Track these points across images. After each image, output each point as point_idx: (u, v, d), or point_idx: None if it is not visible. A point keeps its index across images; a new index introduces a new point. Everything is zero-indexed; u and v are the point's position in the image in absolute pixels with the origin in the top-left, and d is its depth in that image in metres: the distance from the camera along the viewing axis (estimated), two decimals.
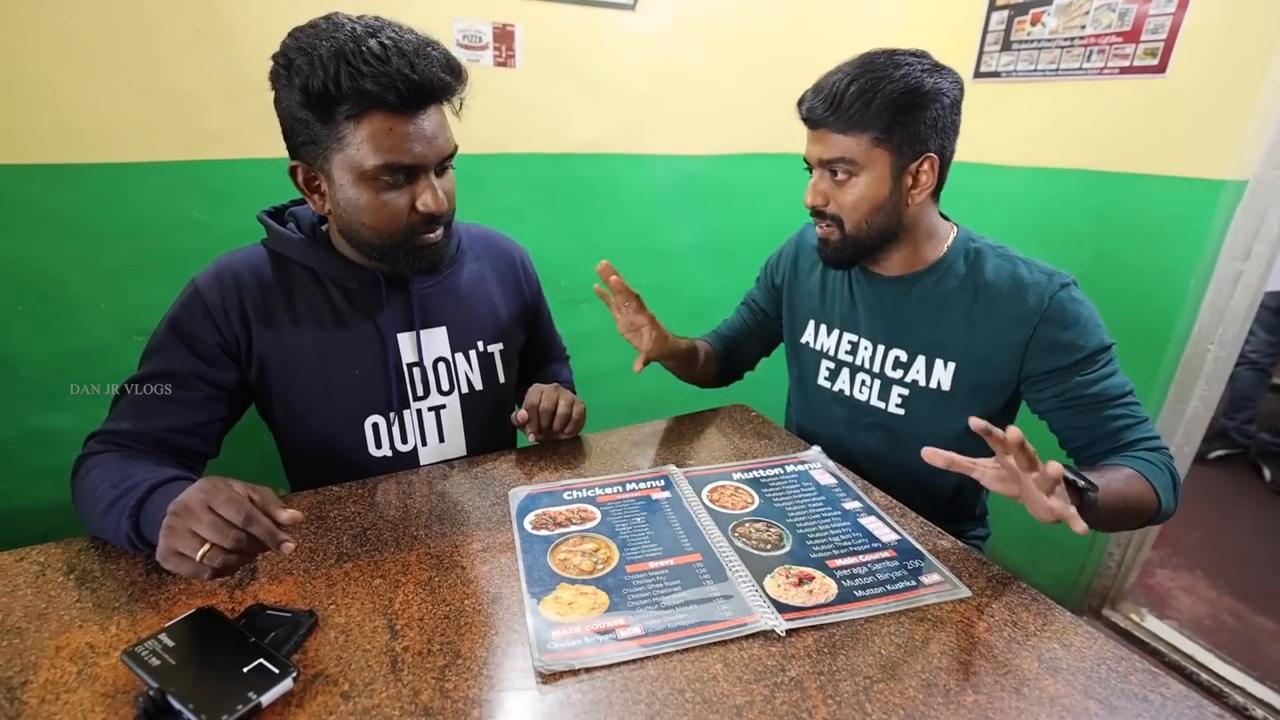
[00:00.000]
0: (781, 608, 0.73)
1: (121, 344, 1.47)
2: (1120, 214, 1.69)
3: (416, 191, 0.86)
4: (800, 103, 0.98)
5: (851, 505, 0.94)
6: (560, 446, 1.09)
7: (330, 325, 0.97)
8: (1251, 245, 1.54)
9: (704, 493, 0.95)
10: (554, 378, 1.26)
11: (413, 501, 0.91)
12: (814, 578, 0.78)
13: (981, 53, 1.89)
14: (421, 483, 0.96)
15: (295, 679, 0.58)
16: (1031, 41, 1.77)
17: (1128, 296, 1.69)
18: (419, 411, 1.04)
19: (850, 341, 1.14)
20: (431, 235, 0.91)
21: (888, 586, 0.77)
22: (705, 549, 0.83)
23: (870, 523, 0.89)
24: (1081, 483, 0.79)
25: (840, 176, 0.97)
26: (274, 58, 0.82)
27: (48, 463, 1.47)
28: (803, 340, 1.21)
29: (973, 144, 1.99)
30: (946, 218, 1.08)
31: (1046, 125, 1.80)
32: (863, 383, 1.12)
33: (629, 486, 0.96)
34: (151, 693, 0.55)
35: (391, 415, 1.02)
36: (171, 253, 1.46)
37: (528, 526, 0.86)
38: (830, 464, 1.05)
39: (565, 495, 0.93)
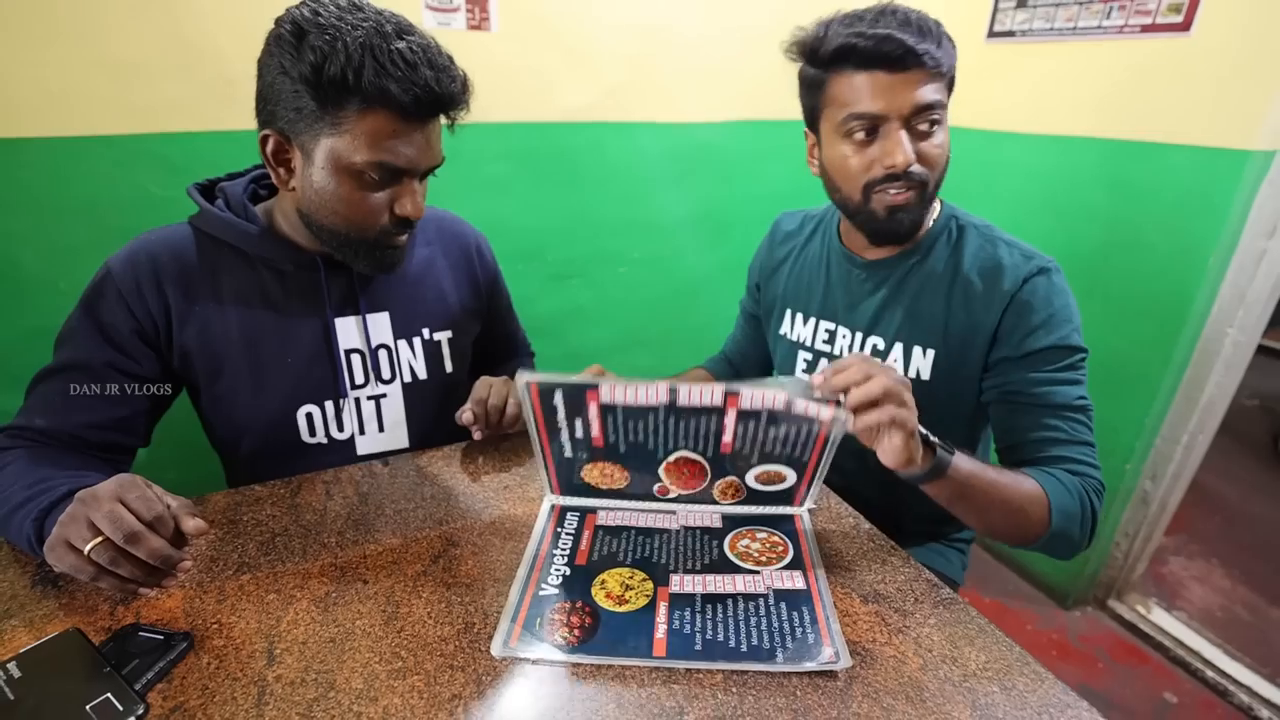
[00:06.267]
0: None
1: None
2: (1137, 186, 1.57)
3: (398, 194, 0.85)
4: (870, 34, 0.79)
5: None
6: (511, 441, 1.04)
7: (260, 310, 0.93)
8: (1278, 223, 1.41)
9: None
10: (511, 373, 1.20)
11: (333, 504, 0.86)
12: None
13: (996, 10, 1.76)
14: (348, 482, 0.92)
15: (141, 718, 0.53)
16: None
17: (1142, 275, 1.58)
18: (357, 401, 0.99)
19: (828, 330, 1.07)
20: (400, 239, 0.90)
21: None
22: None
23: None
24: (933, 438, 0.72)
25: (923, 126, 0.84)
26: (278, 22, 0.78)
27: None
28: (780, 331, 1.14)
29: (984, 109, 1.86)
30: None
31: (1062, 90, 1.67)
32: None
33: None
34: None
35: (327, 404, 0.97)
36: (130, 230, 1.30)
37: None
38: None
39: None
